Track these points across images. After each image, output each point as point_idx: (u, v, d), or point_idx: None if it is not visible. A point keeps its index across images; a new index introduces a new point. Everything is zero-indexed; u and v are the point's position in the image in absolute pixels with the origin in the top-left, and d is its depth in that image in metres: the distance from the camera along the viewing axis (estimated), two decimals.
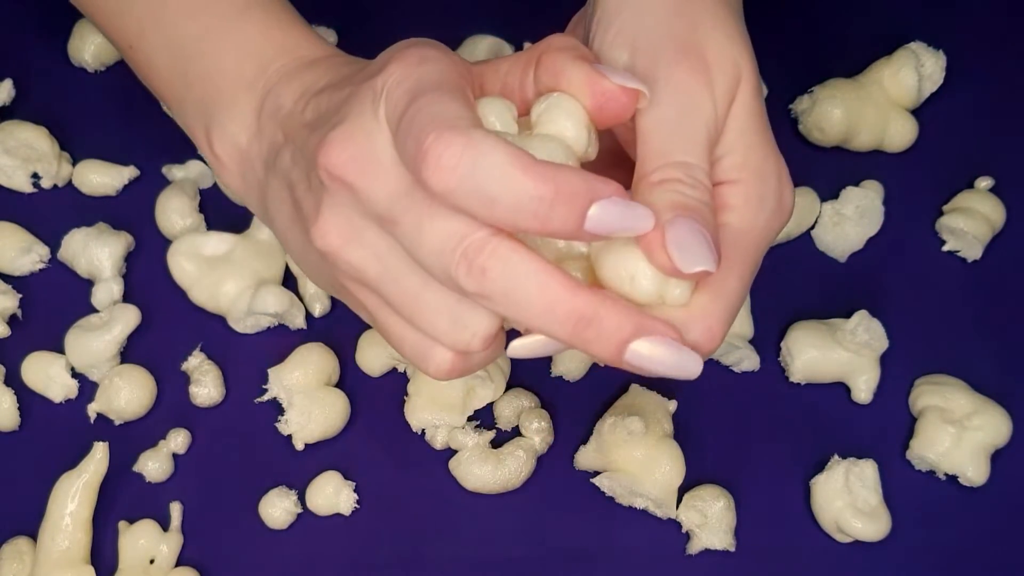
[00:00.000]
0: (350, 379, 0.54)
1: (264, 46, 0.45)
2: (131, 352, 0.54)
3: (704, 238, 0.36)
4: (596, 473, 0.51)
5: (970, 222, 0.56)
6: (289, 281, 0.55)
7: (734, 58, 0.40)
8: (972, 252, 0.56)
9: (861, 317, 0.52)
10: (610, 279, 0.37)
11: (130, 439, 0.52)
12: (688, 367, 0.37)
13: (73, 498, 0.49)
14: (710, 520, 0.50)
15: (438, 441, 0.52)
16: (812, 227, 0.57)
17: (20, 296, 0.55)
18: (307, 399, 0.52)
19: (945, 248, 0.57)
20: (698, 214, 0.37)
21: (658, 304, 0.37)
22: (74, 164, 0.58)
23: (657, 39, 0.40)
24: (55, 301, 0.55)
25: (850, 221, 0.56)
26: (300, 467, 0.52)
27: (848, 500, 0.50)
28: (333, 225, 0.39)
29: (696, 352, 0.38)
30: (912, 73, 0.58)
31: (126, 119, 0.59)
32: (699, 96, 0.39)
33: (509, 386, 0.53)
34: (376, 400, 0.53)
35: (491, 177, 0.34)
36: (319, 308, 0.55)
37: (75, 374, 0.53)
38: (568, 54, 0.38)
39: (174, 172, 0.57)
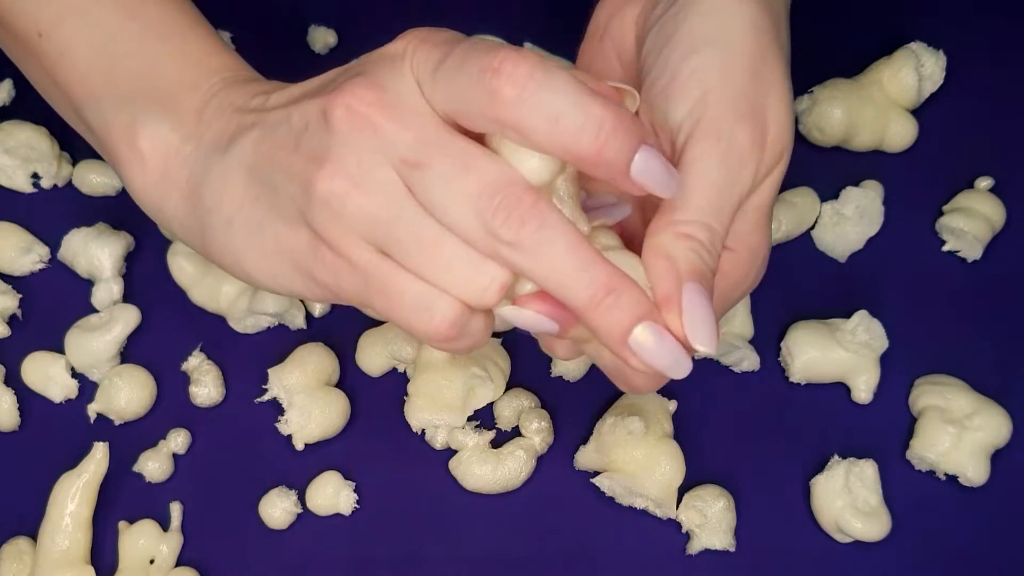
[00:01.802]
0: (350, 379, 0.54)
1: (208, 58, 0.44)
2: (131, 352, 0.54)
3: (712, 318, 0.38)
4: (596, 473, 0.51)
5: (970, 222, 0.56)
6: None
7: (786, 138, 0.41)
8: (972, 252, 0.56)
9: (861, 317, 0.52)
10: None
11: (130, 439, 0.52)
12: (682, 366, 0.37)
13: (73, 498, 0.49)
14: (710, 520, 0.50)
15: (438, 441, 0.52)
16: (812, 227, 0.57)
17: (20, 296, 0.55)
18: (307, 399, 0.52)
19: (945, 248, 0.57)
20: (707, 282, 0.39)
21: None
22: (74, 164, 0.58)
23: (733, 92, 0.41)
24: (55, 301, 0.55)
25: (850, 221, 0.56)
26: (300, 467, 0.52)
27: (848, 500, 0.50)
28: (343, 167, 0.37)
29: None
30: (912, 73, 0.58)
31: None
32: (748, 164, 0.40)
33: (509, 386, 0.53)
34: (376, 400, 0.53)
35: (561, 93, 0.35)
36: (319, 308, 0.55)
37: (75, 374, 0.53)
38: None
39: None
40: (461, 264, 0.37)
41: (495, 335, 0.54)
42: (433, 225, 0.37)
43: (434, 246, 0.37)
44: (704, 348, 0.37)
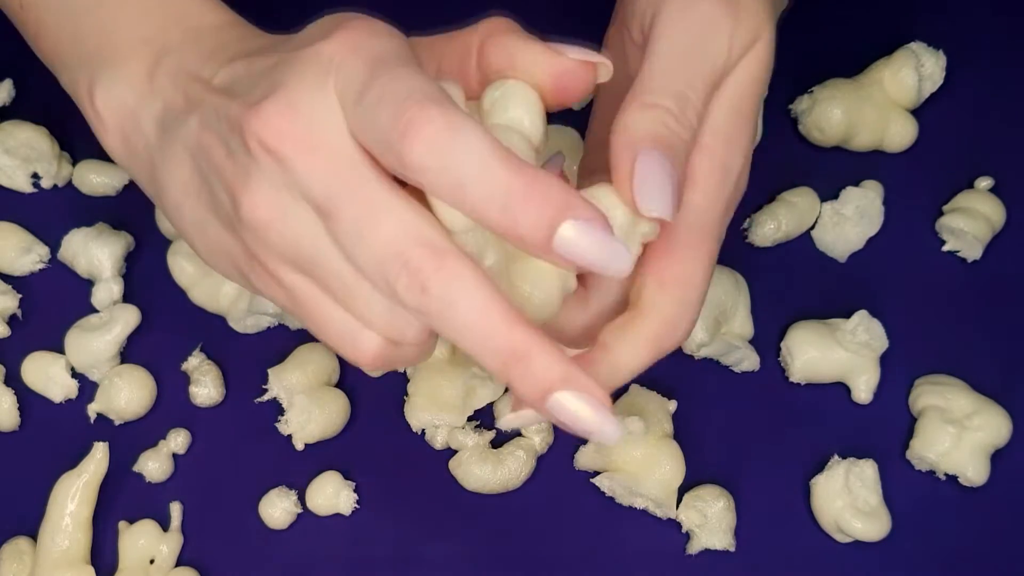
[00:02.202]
0: (350, 379, 0.54)
1: (166, 7, 0.43)
2: (131, 352, 0.54)
3: (670, 183, 0.36)
4: (596, 473, 0.51)
5: (970, 222, 0.56)
6: None
7: (760, 16, 0.39)
8: (972, 252, 0.56)
9: (861, 317, 0.52)
10: None
11: (130, 439, 0.52)
12: (606, 433, 0.35)
13: (73, 498, 0.49)
14: (710, 520, 0.50)
15: (438, 441, 0.52)
16: (812, 227, 0.57)
17: (20, 296, 0.55)
18: (307, 399, 0.51)
19: (945, 248, 0.57)
20: (673, 152, 0.36)
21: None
22: (74, 164, 0.58)
23: None
24: (55, 301, 0.55)
25: (850, 221, 0.56)
26: (300, 467, 0.52)
27: (848, 500, 0.50)
28: (263, 198, 0.36)
29: (666, 348, 0.38)
30: (912, 73, 0.58)
31: None
32: (718, 32, 0.38)
33: (508, 386, 0.53)
34: (376, 400, 0.53)
35: (469, 161, 0.33)
36: None
37: (75, 374, 0.53)
38: (516, 36, 0.37)
39: None
40: (379, 307, 0.36)
41: None
42: (351, 272, 0.36)
43: (352, 287, 0.36)
44: (657, 213, 0.35)
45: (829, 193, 0.57)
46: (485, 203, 0.33)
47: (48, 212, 0.57)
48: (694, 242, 0.38)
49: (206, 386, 0.53)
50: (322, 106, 0.35)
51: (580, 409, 0.34)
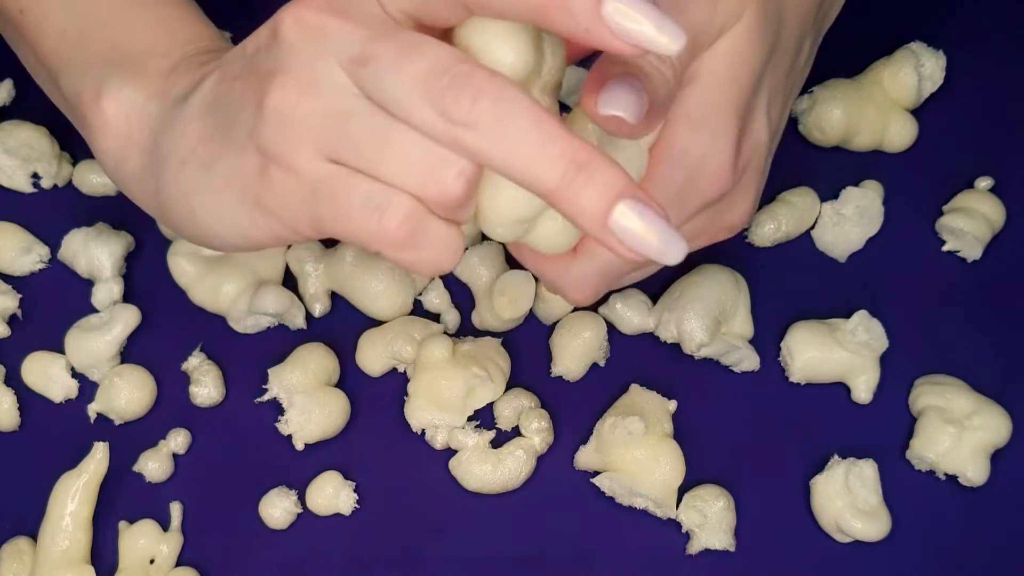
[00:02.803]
0: (350, 379, 0.54)
1: (182, 28, 0.44)
2: (131, 352, 0.54)
3: (637, 93, 0.35)
4: (596, 473, 0.51)
5: (970, 222, 0.56)
6: (289, 281, 0.55)
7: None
8: (972, 252, 0.56)
9: (861, 317, 0.52)
10: None
11: (130, 439, 0.52)
12: (673, 249, 0.33)
13: (73, 498, 0.49)
14: (710, 520, 0.50)
15: (438, 441, 0.52)
16: (812, 227, 0.57)
17: (20, 296, 0.55)
18: (307, 399, 0.52)
19: (945, 248, 0.57)
20: (650, 79, 0.36)
21: None
22: (74, 164, 0.58)
23: None
24: (55, 301, 0.55)
25: (850, 221, 0.56)
26: (300, 467, 0.52)
27: (848, 500, 0.50)
28: (292, 75, 0.35)
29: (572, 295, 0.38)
30: (912, 73, 0.58)
31: None
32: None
33: (509, 386, 0.53)
34: (376, 400, 0.53)
35: (525, 133, 0.32)
36: (319, 308, 0.55)
37: (75, 374, 0.53)
38: None
39: None
40: (417, 155, 0.34)
41: (495, 335, 0.54)
42: (386, 118, 0.34)
43: (387, 140, 0.34)
44: (617, 111, 0.35)
45: (829, 193, 0.57)
46: (541, 170, 0.32)
47: (48, 212, 0.57)
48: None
49: (206, 386, 0.53)
50: None
51: (647, 222, 0.32)
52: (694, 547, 0.50)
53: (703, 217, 0.41)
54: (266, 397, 0.52)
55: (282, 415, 0.52)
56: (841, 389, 0.54)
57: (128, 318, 0.53)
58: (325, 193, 0.36)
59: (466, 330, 0.55)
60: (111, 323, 0.53)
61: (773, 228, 0.56)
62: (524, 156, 0.32)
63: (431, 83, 0.33)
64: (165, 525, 0.51)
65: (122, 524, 0.51)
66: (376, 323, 0.54)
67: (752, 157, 0.40)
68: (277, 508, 0.51)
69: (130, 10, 0.44)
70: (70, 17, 0.45)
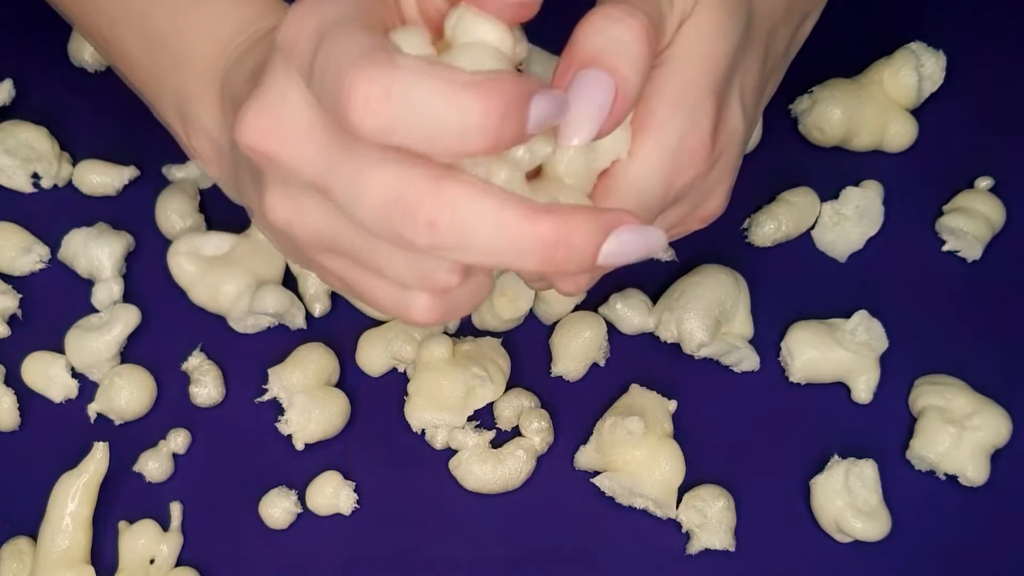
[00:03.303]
0: (350, 379, 0.54)
1: (223, 26, 0.43)
2: (131, 352, 0.54)
3: (600, 101, 0.35)
4: (596, 473, 0.51)
5: (970, 222, 0.56)
6: (289, 281, 0.55)
7: None
8: (972, 252, 0.56)
9: (861, 317, 0.52)
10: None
11: (130, 439, 0.52)
12: (656, 246, 0.34)
13: (73, 498, 0.49)
14: (710, 520, 0.50)
15: (438, 441, 0.52)
16: (812, 227, 0.57)
17: (20, 296, 0.55)
18: (307, 399, 0.51)
19: (945, 248, 0.57)
20: (613, 63, 0.36)
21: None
22: (74, 164, 0.58)
23: None
24: (55, 301, 0.55)
25: (850, 221, 0.56)
26: (300, 467, 0.52)
27: (848, 500, 0.50)
28: (277, 200, 0.36)
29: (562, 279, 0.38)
30: (912, 73, 0.58)
31: (126, 119, 0.59)
32: None
33: (509, 386, 0.53)
34: (376, 400, 0.53)
35: (428, 104, 0.31)
36: (319, 308, 0.55)
37: (75, 374, 0.53)
38: None
39: (174, 172, 0.57)
40: (403, 265, 0.35)
41: (495, 335, 0.54)
42: (364, 237, 0.35)
43: (374, 254, 0.35)
44: (550, 118, 0.33)
45: (829, 193, 0.57)
46: (465, 139, 0.31)
47: (48, 212, 0.57)
48: (617, 195, 0.37)
49: (206, 386, 0.53)
50: (290, 92, 0.34)
51: (629, 243, 0.33)
52: (694, 547, 0.50)
53: (679, 209, 0.40)
54: (266, 397, 0.52)
55: (282, 415, 0.52)
56: (841, 389, 0.54)
57: (128, 318, 0.53)
58: (351, 286, 0.38)
59: (466, 330, 0.55)
60: (111, 323, 0.53)
61: (773, 228, 0.56)
62: (499, 255, 0.32)
63: (387, 219, 0.33)
64: (165, 525, 0.51)
65: (122, 524, 0.51)
66: (376, 323, 0.54)
67: (727, 145, 0.40)
68: (277, 508, 0.51)
69: (180, 26, 0.44)
70: (143, 45, 0.45)
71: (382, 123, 0.31)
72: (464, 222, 0.32)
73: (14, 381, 0.53)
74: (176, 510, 0.51)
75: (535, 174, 0.37)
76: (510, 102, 0.31)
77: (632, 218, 0.33)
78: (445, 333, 0.54)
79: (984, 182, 0.58)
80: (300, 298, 0.55)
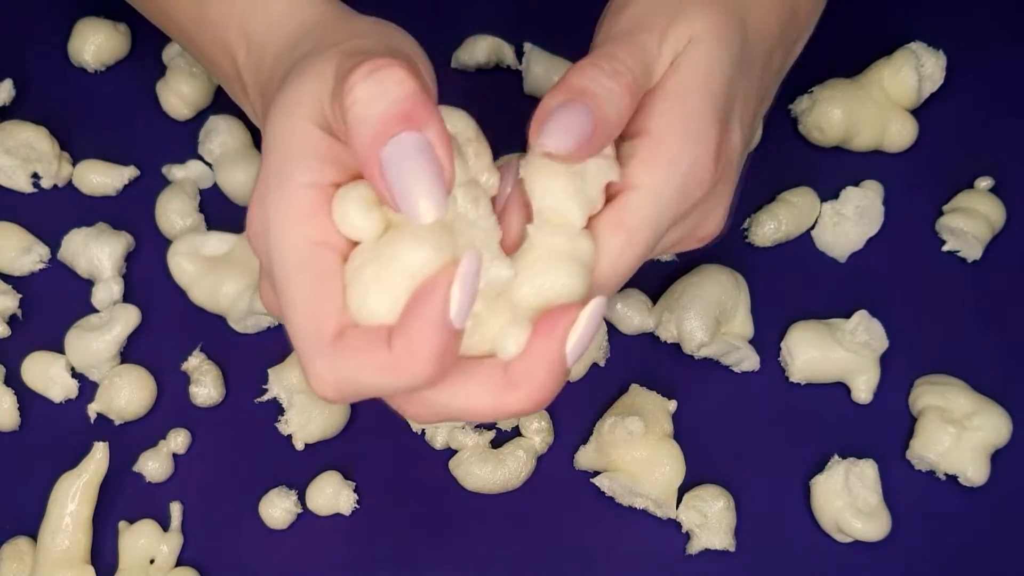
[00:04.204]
0: None
1: (227, 36, 0.44)
2: (131, 352, 0.54)
3: (582, 116, 0.36)
4: (596, 473, 0.51)
5: (970, 222, 0.56)
6: None
7: (694, 22, 0.40)
8: (972, 252, 0.56)
9: (861, 317, 0.52)
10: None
11: (130, 439, 0.52)
12: (600, 309, 0.36)
13: (73, 498, 0.49)
14: (710, 520, 0.50)
15: (438, 441, 0.52)
16: (812, 227, 0.57)
17: (20, 296, 0.55)
18: (307, 399, 0.51)
19: (945, 248, 0.57)
20: (597, 100, 0.37)
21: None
22: (74, 164, 0.58)
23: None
24: (55, 301, 0.55)
25: (850, 221, 0.56)
26: (300, 467, 0.52)
27: (848, 500, 0.50)
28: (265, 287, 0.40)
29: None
30: (912, 73, 0.58)
31: (126, 119, 0.59)
32: (651, 28, 0.39)
33: None
34: (376, 400, 0.53)
35: (373, 387, 0.35)
36: None
37: (75, 374, 0.53)
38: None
39: (174, 172, 0.57)
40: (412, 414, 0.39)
41: None
42: None
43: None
44: (553, 144, 0.36)
45: (829, 193, 0.57)
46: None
47: (48, 212, 0.57)
48: (621, 222, 0.38)
49: (206, 386, 0.53)
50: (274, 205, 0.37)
51: (583, 338, 0.35)
52: (694, 547, 0.50)
53: (678, 230, 0.41)
54: (266, 397, 0.52)
55: (282, 415, 0.52)
56: (841, 389, 0.54)
57: (128, 318, 0.53)
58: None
59: None
60: (111, 323, 0.53)
61: (773, 228, 0.56)
62: (478, 419, 0.37)
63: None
64: (165, 525, 0.51)
65: (122, 524, 0.51)
66: None
67: (727, 168, 0.41)
68: (277, 508, 0.51)
69: (197, 30, 0.46)
70: (186, 46, 0.48)
71: (354, 399, 0.36)
72: (447, 416, 0.37)
73: (14, 381, 0.53)
74: (176, 510, 0.51)
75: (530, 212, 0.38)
76: (436, 348, 0.34)
77: (568, 320, 0.35)
78: None
79: (984, 182, 0.58)
80: None
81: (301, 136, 0.37)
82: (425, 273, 0.34)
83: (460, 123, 0.38)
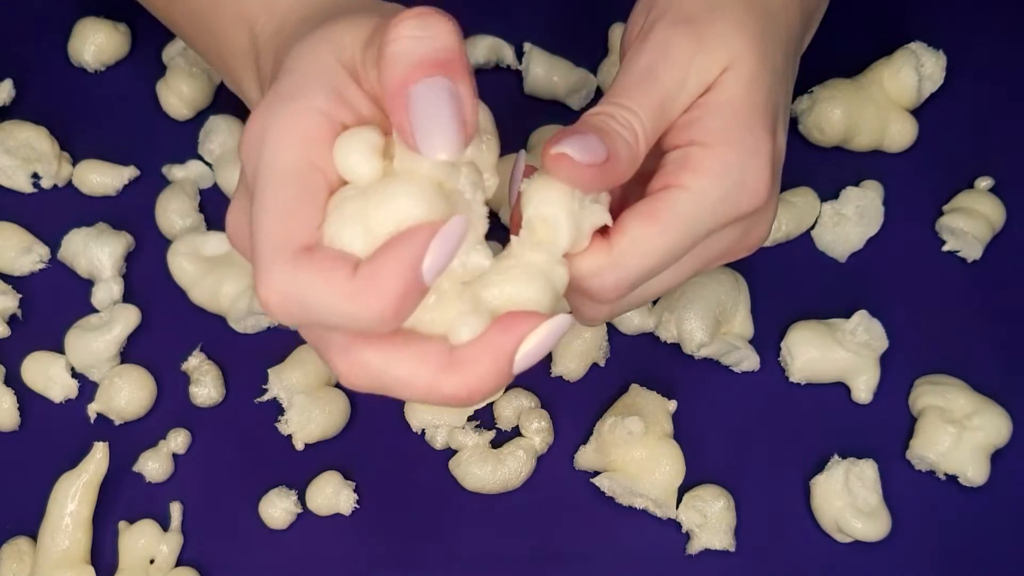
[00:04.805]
0: None
1: (248, 6, 0.43)
2: (131, 352, 0.54)
3: (595, 141, 0.37)
4: (596, 473, 0.51)
5: (970, 222, 0.56)
6: None
7: (730, 45, 0.40)
8: (972, 252, 0.56)
9: (861, 317, 0.52)
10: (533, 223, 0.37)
11: (130, 439, 0.52)
12: (562, 327, 0.35)
13: (73, 498, 0.49)
14: (710, 520, 0.50)
15: (438, 441, 0.52)
16: (812, 227, 0.57)
17: (20, 296, 0.55)
18: (307, 399, 0.51)
19: (945, 248, 0.57)
20: (612, 137, 0.37)
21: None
22: (74, 164, 0.58)
23: (676, 9, 0.40)
24: (55, 301, 0.55)
25: (850, 221, 0.56)
26: (300, 467, 0.52)
27: (848, 500, 0.50)
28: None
29: (592, 298, 0.38)
30: (912, 73, 0.58)
31: (126, 119, 0.59)
32: (674, 60, 0.39)
33: (509, 386, 0.53)
34: (376, 400, 0.53)
35: (329, 309, 0.33)
36: None
37: (75, 374, 0.53)
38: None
39: (174, 172, 0.57)
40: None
41: None
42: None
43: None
44: (562, 148, 0.36)
45: (829, 193, 0.57)
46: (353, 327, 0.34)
47: (48, 212, 0.57)
48: (665, 220, 0.38)
49: (206, 386, 0.53)
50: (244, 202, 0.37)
51: (538, 341, 0.35)
52: (694, 547, 0.50)
53: (730, 235, 0.41)
54: (266, 397, 0.52)
55: (282, 415, 0.52)
56: (841, 389, 0.54)
57: (128, 318, 0.53)
58: None
59: None
60: (111, 323, 0.53)
61: (773, 228, 0.56)
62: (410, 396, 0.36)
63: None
64: (165, 525, 0.51)
65: (122, 524, 0.51)
66: None
67: (776, 173, 0.42)
68: (277, 508, 0.51)
69: (214, 7, 0.45)
70: (195, 32, 0.47)
71: (294, 320, 0.34)
72: (378, 385, 0.36)
73: (14, 381, 0.53)
74: (176, 510, 0.51)
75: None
76: (400, 289, 0.33)
77: (528, 321, 0.35)
78: None
79: (984, 182, 0.58)
80: None
81: (326, 67, 0.36)
82: (410, 223, 0.34)
83: (482, 114, 0.38)
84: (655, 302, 0.54)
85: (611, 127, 0.38)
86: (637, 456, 0.50)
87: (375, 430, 0.53)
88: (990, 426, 0.51)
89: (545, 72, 0.59)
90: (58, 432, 0.53)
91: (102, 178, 0.57)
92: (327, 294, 0.33)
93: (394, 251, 0.33)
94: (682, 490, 0.51)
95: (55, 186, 0.58)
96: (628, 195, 0.42)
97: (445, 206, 0.35)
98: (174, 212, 0.56)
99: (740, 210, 0.40)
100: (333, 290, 0.33)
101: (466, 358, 0.35)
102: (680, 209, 0.39)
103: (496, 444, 0.52)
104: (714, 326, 0.53)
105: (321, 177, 0.35)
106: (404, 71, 0.34)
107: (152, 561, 0.50)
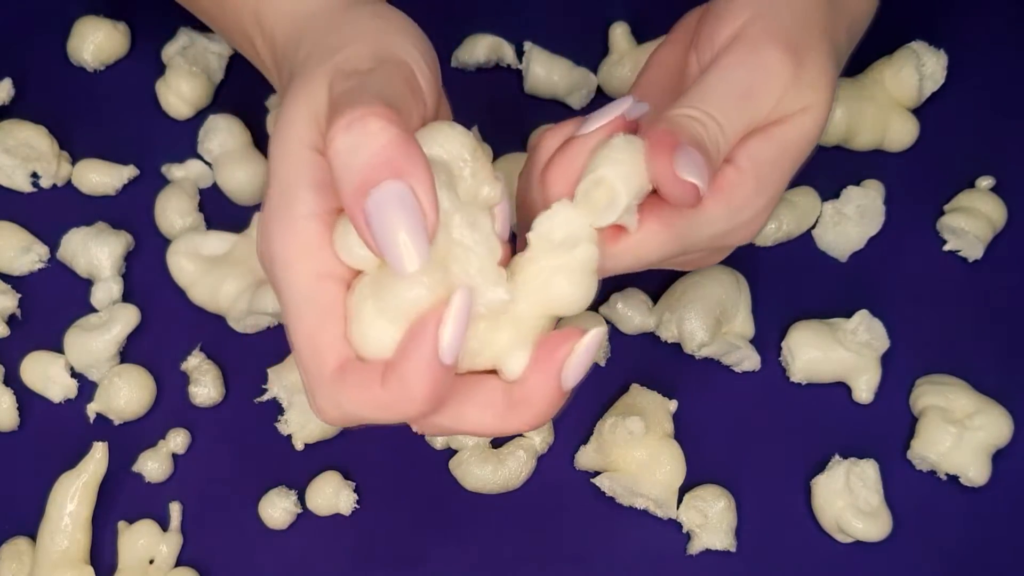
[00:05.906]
0: None
1: (250, 21, 0.44)
2: (131, 352, 0.54)
3: (706, 167, 0.37)
4: (596, 473, 0.51)
5: (971, 221, 0.56)
6: None
7: (817, 89, 0.40)
8: (973, 252, 0.56)
9: (862, 317, 0.52)
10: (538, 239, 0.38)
11: (130, 439, 0.52)
12: (599, 339, 0.37)
13: (73, 498, 0.49)
14: (710, 520, 0.50)
15: (438, 441, 0.52)
16: (813, 227, 0.57)
17: (20, 296, 0.55)
18: (307, 399, 0.51)
19: (946, 248, 0.57)
20: (703, 150, 0.37)
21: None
22: (74, 164, 0.58)
23: (776, 24, 0.40)
24: (55, 301, 0.55)
25: (851, 221, 0.56)
26: (300, 467, 0.52)
27: (849, 500, 0.50)
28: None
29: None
30: (913, 72, 0.57)
31: (125, 118, 0.59)
32: (773, 83, 0.40)
33: None
34: None
35: (372, 417, 0.36)
36: None
37: (75, 374, 0.53)
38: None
39: (174, 172, 0.57)
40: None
41: None
42: None
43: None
44: (695, 179, 0.37)
45: (830, 192, 0.57)
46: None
47: (48, 212, 0.57)
48: (675, 233, 0.39)
49: (206, 386, 0.53)
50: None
51: (579, 366, 0.36)
52: (695, 547, 0.50)
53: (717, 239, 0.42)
54: (266, 397, 0.52)
55: (282, 415, 0.52)
56: (842, 389, 0.54)
57: (128, 318, 0.53)
58: None
59: None
60: (110, 323, 0.53)
61: (774, 228, 0.56)
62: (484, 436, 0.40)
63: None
64: (165, 525, 0.51)
65: (122, 524, 0.51)
66: None
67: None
68: (277, 508, 0.51)
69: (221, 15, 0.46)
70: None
71: (355, 424, 0.37)
72: (454, 434, 0.43)
73: (13, 381, 0.53)
74: (176, 510, 0.51)
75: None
76: (428, 386, 0.35)
77: (565, 350, 0.36)
78: None
79: (985, 181, 0.58)
80: None
81: (298, 164, 0.37)
82: (420, 308, 0.35)
83: (455, 142, 0.37)
84: (655, 302, 0.54)
85: (708, 148, 0.38)
86: (638, 456, 0.50)
87: (375, 430, 0.53)
88: (991, 426, 0.51)
89: (545, 71, 0.59)
90: (57, 432, 0.53)
91: (101, 177, 0.57)
92: (369, 409, 0.36)
93: (410, 353, 0.35)
94: (683, 490, 0.51)
95: (54, 185, 0.58)
96: None
97: (443, 274, 0.36)
98: (173, 211, 0.56)
99: (728, 242, 0.41)
100: (373, 404, 0.36)
101: (523, 398, 0.37)
102: (689, 225, 0.39)
103: (496, 444, 0.52)
104: (715, 326, 0.53)
105: (333, 285, 0.37)
106: (353, 189, 0.34)
107: (152, 561, 0.50)
